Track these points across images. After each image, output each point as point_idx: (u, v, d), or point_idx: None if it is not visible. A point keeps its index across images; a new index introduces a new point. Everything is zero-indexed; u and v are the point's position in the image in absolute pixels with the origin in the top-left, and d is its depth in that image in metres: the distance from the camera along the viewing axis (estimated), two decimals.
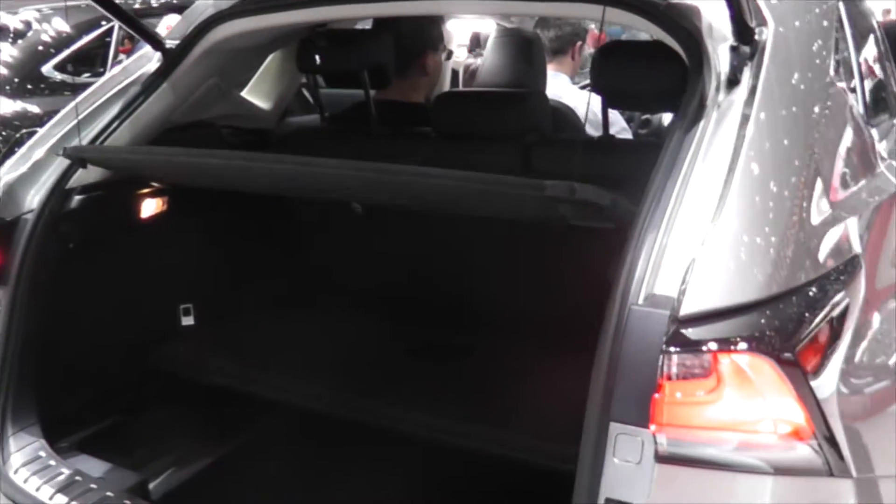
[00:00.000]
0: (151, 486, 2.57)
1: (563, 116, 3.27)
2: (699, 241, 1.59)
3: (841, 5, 2.44)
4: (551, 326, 2.78)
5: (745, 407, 1.51)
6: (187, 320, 3.03)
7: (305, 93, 4.06)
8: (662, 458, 1.50)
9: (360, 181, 2.04)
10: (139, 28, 2.64)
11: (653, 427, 1.50)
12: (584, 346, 1.71)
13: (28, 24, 6.29)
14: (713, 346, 1.50)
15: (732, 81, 1.83)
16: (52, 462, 2.35)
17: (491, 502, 2.61)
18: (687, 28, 1.95)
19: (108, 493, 2.25)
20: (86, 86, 2.85)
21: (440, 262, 3.09)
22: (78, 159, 2.39)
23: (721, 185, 1.65)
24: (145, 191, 2.78)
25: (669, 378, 1.50)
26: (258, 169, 2.15)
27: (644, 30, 2.09)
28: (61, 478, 2.29)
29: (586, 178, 1.62)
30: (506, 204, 1.94)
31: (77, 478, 2.29)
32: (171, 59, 2.65)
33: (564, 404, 1.81)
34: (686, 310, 1.52)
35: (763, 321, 1.53)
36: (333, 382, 2.63)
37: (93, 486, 2.27)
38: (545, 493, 1.98)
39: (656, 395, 1.51)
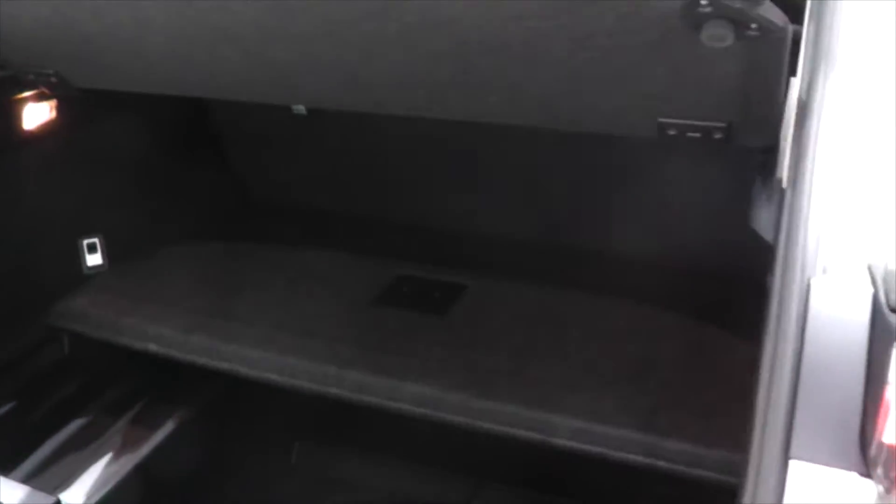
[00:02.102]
0: None
1: None
2: None
3: None
4: (543, 252, 2.34)
5: None
6: (94, 259, 2.36)
7: None
8: None
9: None
10: None
11: (878, 473, 1.00)
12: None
13: None
14: None
15: None
16: None
17: None
18: None
19: None
20: None
21: (407, 169, 2.49)
22: None
23: None
24: (26, 94, 2.06)
25: None
26: None
27: None
28: None
29: None
30: None
31: None
32: None
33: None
34: None
35: None
36: (304, 346, 2.04)
37: None
38: None
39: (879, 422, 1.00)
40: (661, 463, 1.71)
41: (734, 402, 1.76)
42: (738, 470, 1.63)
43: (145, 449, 2.10)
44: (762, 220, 1.26)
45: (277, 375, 2.02)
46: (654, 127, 1.44)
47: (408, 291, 2.26)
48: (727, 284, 2.18)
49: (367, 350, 2.01)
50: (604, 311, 2.12)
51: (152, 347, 2.13)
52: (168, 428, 2.16)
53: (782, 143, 1.20)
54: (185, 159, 2.62)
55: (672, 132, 1.43)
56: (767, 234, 1.22)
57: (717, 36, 1.16)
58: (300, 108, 2.52)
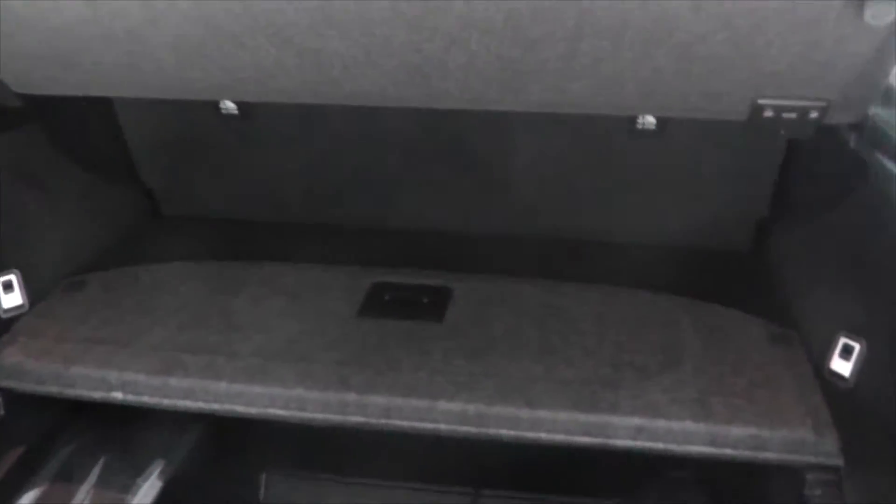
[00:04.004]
0: None
1: None
2: None
3: None
4: (514, 247, 2.26)
5: None
6: (11, 299, 1.98)
7: None
8: None
9: None
10: None
11: None
12: None
13: None
14: None
15: None
16: None
17: None
18: None
19: None
20: None
21: (355, 169, 2.31)
22: None
23: None
24: None
25: None
26: None
27: None
28: None
29: None
30: None
31: None
32: None
33: None
34: None
35: None
36: (308, 374, 1.83)
37: None
38: None
39: None
40: (727, 451, 1.69)
41: (769, 381, 1.78)
42: (799, 448, 1.66)
43: None
44: None
45: (284, 410, 1.79)
46: (748, 109, 1.40)
47: (391, 299, 2.09)
48: (712, 258, 2.21)
49: (382, 370, 1.84)
50: (606, 301, 2.07)
51: (117, 396, 1.82)
52: (147, 490, 1.86)
53: None
54: (93, 173, 2.27)
55: (768, 114, 1.39)
56: None
57: (881, 13, 1.12)
58: (229, 108, 2.26)
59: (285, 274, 2.18)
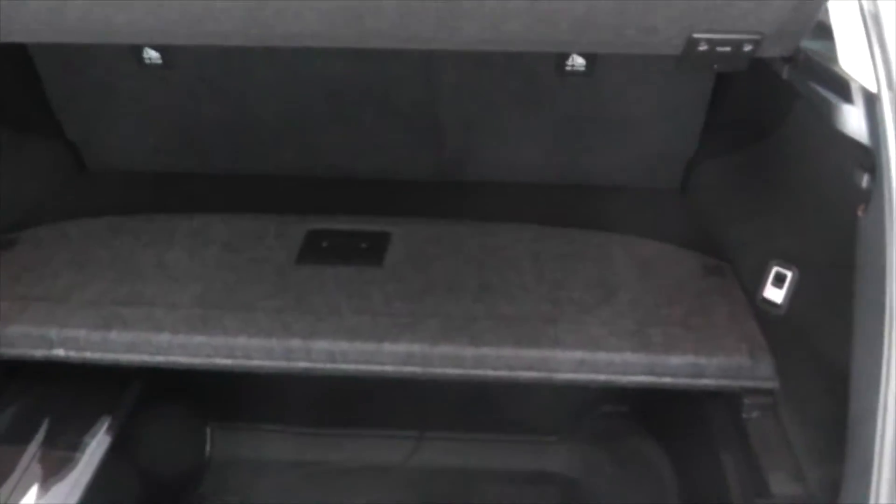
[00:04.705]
0: None
1: None
2: None
3: None
4: (441, 190, 2.25)
5: None
6: None
7: None
8: None
9: None
10: None
11: None
12: None
13: None
14: None
15: None
16: None
17: None
18: None
19: None
20: None
21: (278, 117, 2.27)
22: None
23: None
24: None
25: None
26: None
27: None
28: None
29: None
30: None
31: None
32: None
33: None
34: None
35: None
36: (250, 321, 1.81)
37: None
38: None
39: None
40: (666, 379, 1.74)
41: (704, 310, 1.84)
42: (735, 373, 1.72)
43: (80, 476, 1.77)
44: (850, 125, 1.28)
45: (228, 359, 1.78)
46: (683, 43, 1.41)
47: (329, 246, 2.08)
48: (643, 196, 2.25)
49: (323, 315, 1.83)
50: (539, 239, 2.09)
51: (59, 353, 1.78)
52: (94, 447, 1.83)
53: (868, 51, 1.23)
54: (12, 128, 2.19)
55: (703, 48, 1.41)
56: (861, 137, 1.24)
57: None
58: (152, 57, 2.18)
59: (217, 224, 2.14)
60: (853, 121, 1.26)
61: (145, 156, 2.37)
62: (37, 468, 1.78)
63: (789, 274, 1.77)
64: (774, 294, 1.81)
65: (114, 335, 1.78)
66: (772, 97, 1.81)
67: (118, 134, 2.34)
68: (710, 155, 2.20)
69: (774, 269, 1.81)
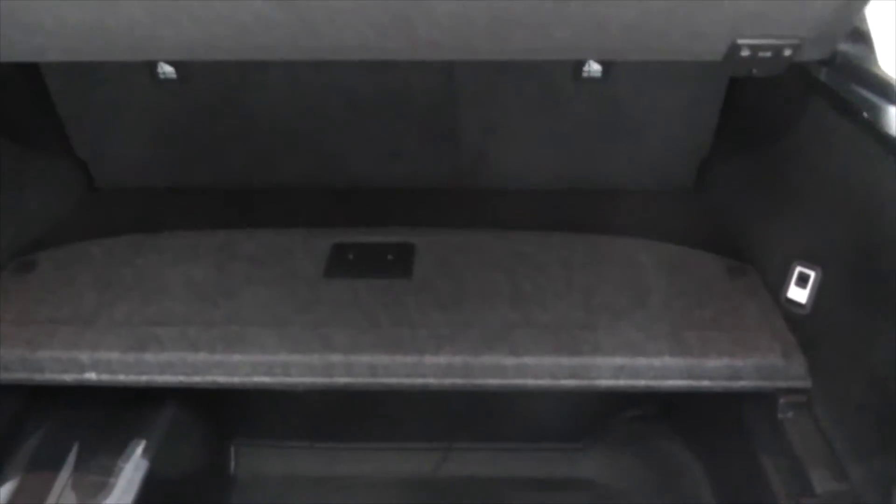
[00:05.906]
0: None
1: None
2: None
3: None
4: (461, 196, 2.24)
5: None
6: None
7: None
8: None
9: None
10: None
11: None
12: None
13: None
14: None
15: None
16: None
17: None
18: None
19: None
20: None
21: (293, 131, 2.27)
22: None
23: None
24: None
25: None
26: None
27: None
28: None
29: None
30: None
31: None
32: None
33: None
34: None
35: None
36: (289, 337, 1.80)
37: None
38: None
39: None
40: (705, 382, 1.76)
41: (734, 312, 1.86)
42: (770, 374, 1.74)
43: (119, 501, 1.73)
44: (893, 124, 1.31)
45: (267, 377, 1.76)
46: (726, 49, 1.44)
47: (355, 259, 2.07)
48: (659, 199, 2.27)
49: (363, 329, 1.83)
50: (567, 246, 2.10)
51: (91, 377, 1.75)
52: (132, 471, 1.80)
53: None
54: (22, 145, 2.15)
55: (745, 53, 1.44)
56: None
57: None
58: (167, 72, 2.17)
59: (241, 240, 2.12)
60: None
61: (156, 171, 2.34)
62: (71, 495, 1.75)
63: (812, 274, 1.79)
64: (798, 294, 1.83)
65: (149, 356, 1.76)
66: (785, 98, 1.84)
67: (129, 149, 2.32)
68: (723, 156, 2.23)
69: (798, 270, 1.83)
